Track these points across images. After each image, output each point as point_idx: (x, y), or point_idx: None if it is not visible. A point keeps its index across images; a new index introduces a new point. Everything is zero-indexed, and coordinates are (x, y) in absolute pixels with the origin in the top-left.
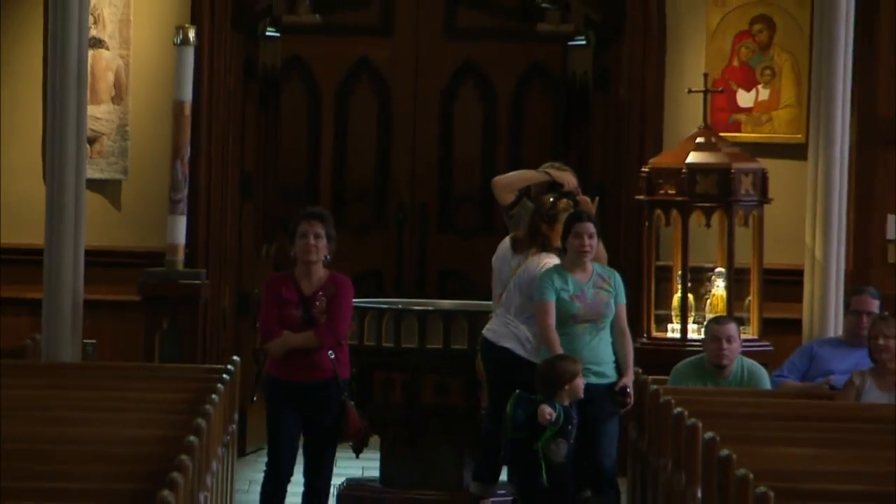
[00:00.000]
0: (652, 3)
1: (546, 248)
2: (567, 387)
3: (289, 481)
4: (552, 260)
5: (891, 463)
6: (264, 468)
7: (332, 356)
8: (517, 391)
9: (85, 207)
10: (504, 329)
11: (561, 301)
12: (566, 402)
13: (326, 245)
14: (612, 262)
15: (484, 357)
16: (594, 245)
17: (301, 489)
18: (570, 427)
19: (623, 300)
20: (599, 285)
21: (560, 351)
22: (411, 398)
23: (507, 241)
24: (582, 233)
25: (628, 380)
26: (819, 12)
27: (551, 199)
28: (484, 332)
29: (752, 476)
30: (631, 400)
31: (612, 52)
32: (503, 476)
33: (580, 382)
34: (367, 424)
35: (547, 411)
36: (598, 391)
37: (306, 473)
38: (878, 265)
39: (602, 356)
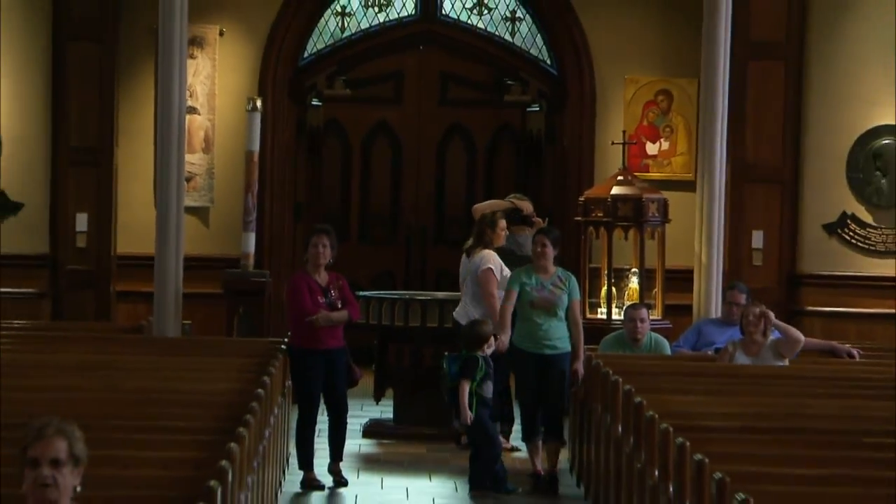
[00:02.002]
0: (586, 81)
1: (487, 246)
2: (485, 344)
3: (317, 422)
4: (491, 254)
5: (754, 405)
6: (297, 415)
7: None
8: (447, 353)
9: (183, 226)
10: (463, 311)
11: (523, 291)
12: (486, 353)
13: (330, 252)
14: (559, 264)
15: (454, 332)
16: (549, 253)
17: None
18: (489, 370)
19: (577, 297)
20: (556, 284)
21: (507, 325)
22: (416, 362)
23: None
24: (537, 243)
25: (579, 364)
26: (704, 88)
27: (491, 213)
28: (454, 313)
29: (657, 416)
30: (580, 378)
31: (558, 116)
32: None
33: (492, 340)
34: (361, 373)
35: (468, 415)
36: (553, 359)
37: (331, 411)
38: (747, 267)
39: (554, 334)
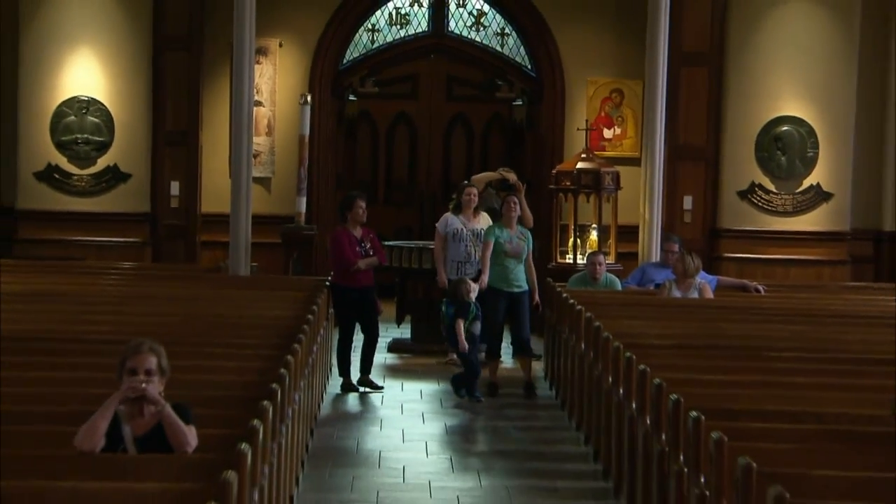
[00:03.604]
0: (557, 82)
1: (457, 209)
2: (465, 297)
3: (353, 341)
4: (444, 216)
5: (685, 328)
6: (338, 336)
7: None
8: (445, 299)
9: (251, 191)
10: None
11: (498, 243)
12: (473, 300)
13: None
14: (537, 222)
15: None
16: (516, 209)
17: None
18: (478, 313)
19: (531, 247)
20: (520, 237)
21: (486, 267)
22: (428, 296)
23: None
24: (508, 201)
25: (536, 296)
26: (647, 87)
27: (462, 184)
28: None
29: (611, 336)
30: (540, 307)
31: (536, 109)
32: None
33: (472, 293)
34: (381, 305)
35: (464, 344)
36: (520, 296)
37: (366, 333)
38: (679, 224)
39: (520, 277)
